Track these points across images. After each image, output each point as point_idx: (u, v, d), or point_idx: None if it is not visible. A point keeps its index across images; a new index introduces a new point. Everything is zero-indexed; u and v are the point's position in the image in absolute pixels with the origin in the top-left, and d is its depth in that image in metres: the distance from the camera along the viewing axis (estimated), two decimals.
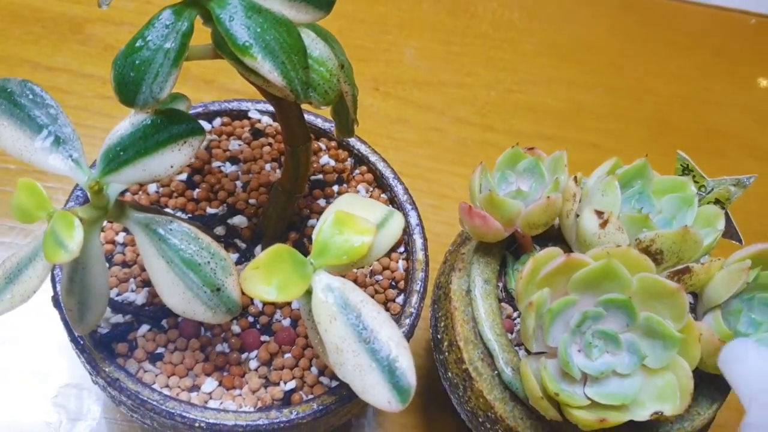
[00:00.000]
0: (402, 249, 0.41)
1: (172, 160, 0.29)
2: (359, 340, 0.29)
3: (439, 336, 0.42)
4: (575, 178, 0.40)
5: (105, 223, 0.39)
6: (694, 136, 0.69)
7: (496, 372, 0.38)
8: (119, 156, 0.28)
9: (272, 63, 0.27)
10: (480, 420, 0.39)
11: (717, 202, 0.41)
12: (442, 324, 0.41)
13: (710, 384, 0.38)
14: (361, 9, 0.69)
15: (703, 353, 0.34)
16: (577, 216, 0.38)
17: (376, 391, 0.29)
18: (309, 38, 0.29)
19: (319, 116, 0.44)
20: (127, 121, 0.28)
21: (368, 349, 0.29)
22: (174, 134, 0.29)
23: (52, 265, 0.28)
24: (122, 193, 0.40)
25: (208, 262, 0.31)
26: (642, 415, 0.33)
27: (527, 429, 0.38)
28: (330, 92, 0.30)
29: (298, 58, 0.28)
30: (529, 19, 0.73)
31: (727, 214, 0.41)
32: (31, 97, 0.29)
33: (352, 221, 0.30)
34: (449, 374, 0.41)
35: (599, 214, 0.37)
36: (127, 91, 0.27)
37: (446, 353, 0.41)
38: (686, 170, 0.41)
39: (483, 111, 0.66)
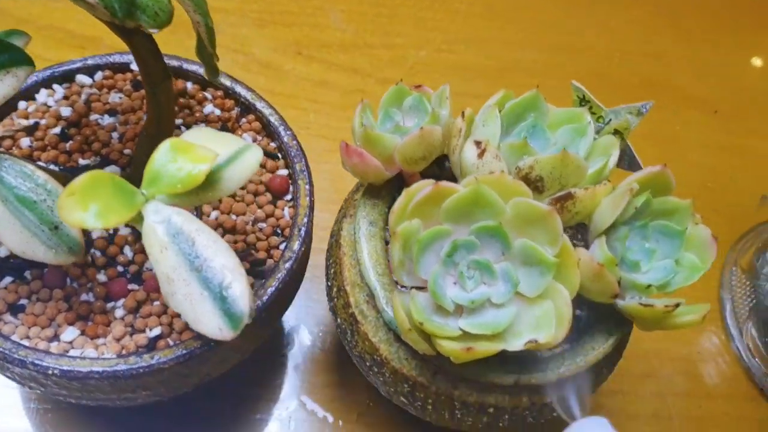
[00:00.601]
0: (289, 197, 0.40)
1: None
2: (191, 269, 0.27)
3: (329, 284, 0.40)
4: (463, 113, 0.38)
5: None
6: (633, 88, 0.68)
7: (379, 314, 0.37)
8: None
9: None
10: (368, 364, 0.38)
11: (617, 132, 0.39)
12: (332, 271, 0.40)
13: (609, 318, 0.37)
14: None
15: (584, 279, 0.33)
16: None
17: (207, 319, 0.27)
18: None
19: (196, 63, 0.42)
20: None
21: (200, 278, 0.27)
22: None
23: None
24: None
25: (44, 200, 0.29)
26: (516, 344, 0.32)
27: (412, 370, 0.36)
28: (161, 13, 0.28)
29: None
30: None
31: (627, 145, 0.39)
32: None
33: (189, 149, 0.29)
34: (339, 320, 0.39)
35: (477, 144, 0.35)
36: None
37: (336, 299, 0.39)
38: (583, 101, 0.39)
39: (411, 72, 0.64)
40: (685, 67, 0.70)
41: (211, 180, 0.30)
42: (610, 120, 0.39)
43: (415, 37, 0.66)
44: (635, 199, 0.34)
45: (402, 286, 0.35)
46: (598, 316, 0.37)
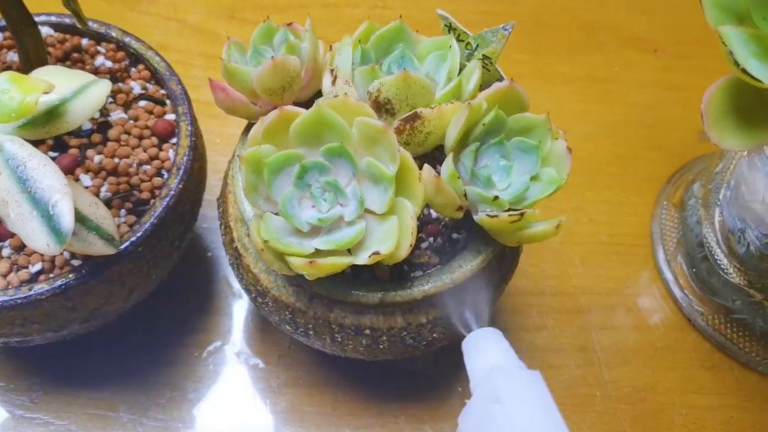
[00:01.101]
0: (174, 140, 0.42)
1: None
2: (23, 191, 0.29)
3: (220, 222, 0.42)
4: (330, 47, 0.39)
5: None
6: (574, 32, 0.67)
7: None
8: None
9: None
10: (254, 296, 0.39)
11: (486, 58, 0.39)
12: (221, 210, 0.41)
13: (480, 238, 0.38)
14: None
15: (429, 194, 0.34)
16: None
17: (35, 236, 0.29)
18: None
19: (97, 22, 0.44)
20: None
21: (30, 198, 0.29)
22: None
23: None
24: None
25: None
26: (362, 257, 0.33)
27: (290, 296, 0.37)
28: None
29: None
30: None
31: (497, 69, 0.40)
32: None
33: (22, 80, 0.30)
34: (228, 256, 0.41)
35: (331, 71, 0.36)
36: None
37: (224, 236, 0.41)
38: (450, 29, 0.40)
39: (347, 29, 0.64)
40: (625, 10, 0.69)
41: (56, 113, 0.32)
42: (477, 46, 0.39)
43: None
44: (485, 117, 0.35)
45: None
46: (471, 238, 0.38)
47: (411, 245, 0.33)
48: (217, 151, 0.56)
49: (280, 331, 0.49)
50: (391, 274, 0.37)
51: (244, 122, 0.58)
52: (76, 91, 0.32)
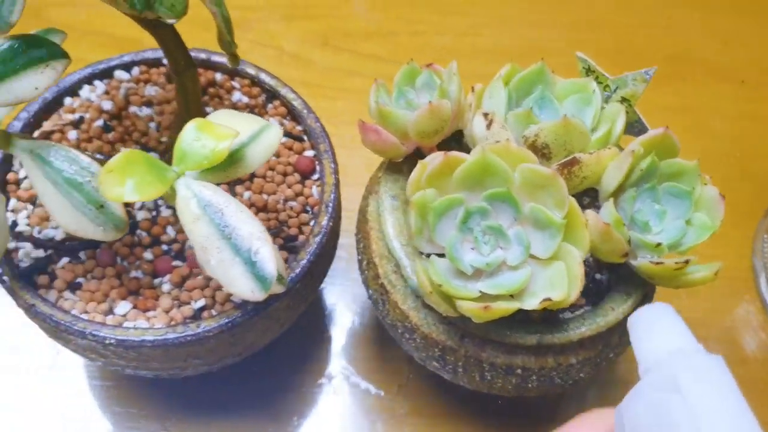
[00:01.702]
0: (316, 176, 0.42)
1: (35, 82, 0.30)
2: (222, 237, 0.30)
3: (360, 258, 0.42)
4: (473, 88, 0.40)
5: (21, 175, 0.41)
6: (657, 62, 0.67)
7: (406, 282, 0.39)
8: None
9: None
10: (400, 331, 0.40)
11: (624, 100, 0.40)
12: (362, 245, 0.42)
13: (628, 281, 0.38)
14: None
15: (594, 240, 0.34)
16: None
17: (240, 282, 0.30)
18: None
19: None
20: None
21: (230, 245, 0.30)
22: (34, 58, 0.30)
23: None
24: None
25: (89, 181, 0.32)
26: (532, 303, 0.34)
27: (441, 334, 0.38)
28: (177, 4, 0.31)
29: None
30: None
31: (635, 112, 0.40)
32: None
33: (211, 128, 0.31)
34: (370, 291, 0.41)
35: (485, 116, 0.37)
36: None
37: (366, 272, 0.42)
38: (589, 71, 0.41)
39: (437, 57, 0.65)
40: (709, 39, 0.70)
41: (236, 158, 0.33)
42: (617, 88, 0.40)
43: (437, 23, 0.68)
44: (641, 162, 0.36)
45: (423, 254, 0.37)
46: (618, 279, 0.39)
47: (579, 291, 0.33)
48: None
49: (399, 361, 0.50)
50: (542, 314, 0.38)
51: (347, 151, 0.59)
52: (253, 136, 0.33)
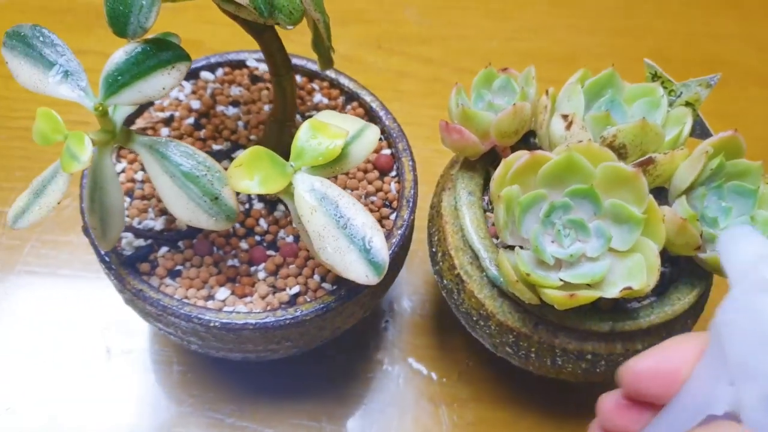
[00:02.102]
0: (394, 173, 0.45)
1: (163, 82, 0.33)
2: (337, 226, 0.33)
3: (434, 250, 0.45)
4: (547, 91, 0.43)
5: (125, 165, 0.44)
6: (695, 68, 0.71)
7: (483, 273, 0.41)
8: (117, 81, 0.32)
9: None
10: (474, 319, 0.42)
11: (688, 104, 0.43)
12: (436, 238, 0.45)
13: (692, 273, 0.41)
14: None
15: (669, 234, 0.37)
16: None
17: (354, 268, 0.32)
18: None
19: (311, 60, 0.48)
20: (122, 50, 0.33)
21: (345, 234, 0.33)
22: (163, 60, 0.33)
23: (69, 178, 0.33)
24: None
25: (205, 174, 0.35)
26: (612, 292, 0.36)
27: (516, 321, 0.41)
28: (294, 12, 0.33)
29: None
30: None
31: (698, 115, 0.43)
32: (41, 38, 0.33)
33: (325, 128, 0.34)
34: (445, 281, 0.44)
35: (564, 117, 0.40)
36: (119, 23, 0.32)
37: (440, 263, 0.44)
38: (655, 77, 0.43)
39: (484, 60, 0.68)
40: (747, 46, 0.73)
41: (342, 154, 0.35)
42: (681, 93, 0.43)
43: (485, 28, 0.71)
44: (710, 162, 0.38)
45: (506, 246, 0.40)
46: (681, 271, 0.41)
47: (655, 281, 0.36)
48: None
49: (458, 349, 0.53)
50: (611, 304, 0.40)
51: (419, 153, 0.61)
52: (355, 135, 0.36)
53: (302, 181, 0.33)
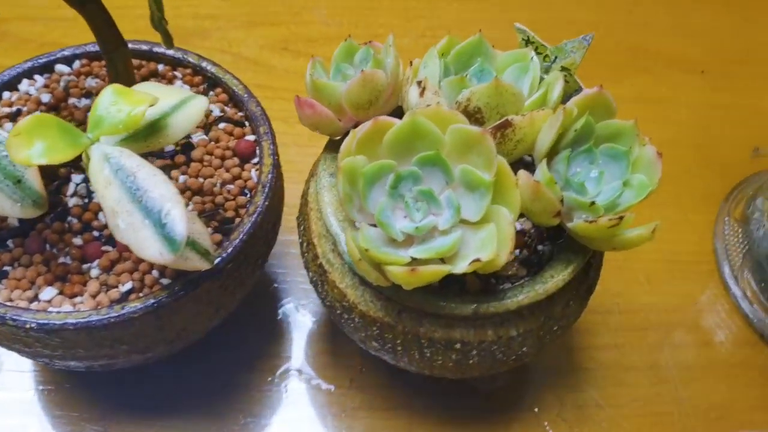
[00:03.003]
0: (256, 160, 0.42)
1: None
2: (133, 200, 0.29)
3: (301, 241, 0.42)
4: (411, 62, 0.40)
5: None
6: (621, 55, 0.68)
7: (344, 260, 0.38)
8: None
9: None
10: (338, 312, 0.39)
11: (564, 69, 0.40)
12: (302, 228, 0.41)
13: (568, 248, 0.37)
14: None
15: (526, 201, 0.34)
16: None
17: (148, 245, 0.29)
18: None
19: (172, 49, 0.45)
20: None
21: (141, 208, 0.29)
22: None
23: None
24: None
25: (6, 156, 0.32)
26: (461, 266, 0.32)
27: (378, 311, 0.37)
28: None
29: None
30: None
31: (576, 81, 0.40)
32: None
33: (129, 93, 0.31)
34: (310, 274, 0.40)
35: (419, 84, 0.37)
36: None
37: (306, 254, 0.41)
38: (528, 42, 0.40)
39: None
40: (670, 33, 0.70)
41: (157, 126, 0.32)
42: (556, 58, 0.40)
43: (397, 27, 0.68)
44: (575, 123, 0.35)
45: (357, 223, 0.36)
46: (560, 248, 0.38)
47: (510, 252, 0.32)
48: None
49: (351, 355, 0.49)
50: (480, 286, 0.37)
51: (303, 149, 0.58)
52: (176, 106, 0.33)
53: (98, 152, 0.30)
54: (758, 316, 0.52)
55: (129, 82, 0.38)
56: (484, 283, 0.37)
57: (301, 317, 0.50)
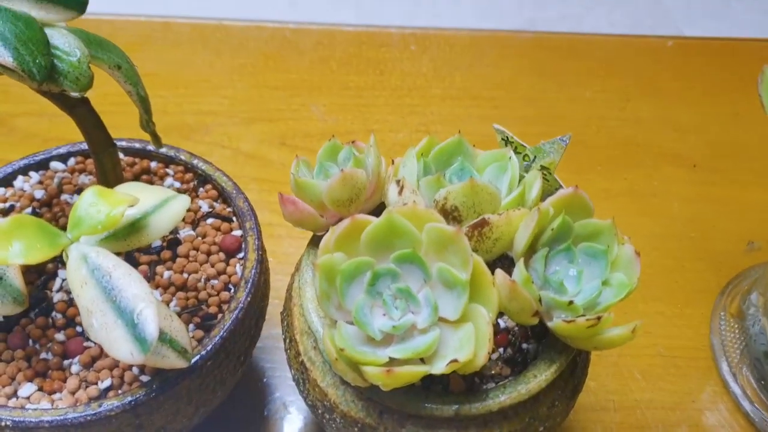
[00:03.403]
0: (241, 255, 0.42)
1: None
2: (107, 299, 0.30)
3: (284, 336, 0.41)
4: (392, 161, 0.41)
5: None
6: (611, 150, 0.69)
7: (324, 357, 0.37)
8: None
9: (4, 48, 0.30)
10: (320, 412, 0.38)
11: (544, 168, 0.41)
12: (285, 323, 0.41)
13: (552, 347, 0.37)
14: (273, 78, 0.73)
15: (503, 300, 0.34)
16: None
17: (119, 345, 0.29)
18: (60, 33, 0.32)
19: (166, 146, 0.46)
20: None
21: (115, 307, 0.30)
22: None
23: None
24: None
25: None
26: (440, 366, 0.32)
27: (359, 411, 0.36)
28: (81, 78, 0.32)
29: (36, 46, 0.31)
30: (437, 70, 0.76)
31: (556, 180, 0.41)
32: None
33: (109, 194, 0.32)
34: (292, 371, 0.40)
35: (397, 182, 0.37)
36: None
37: (289, 350, 0.40)
38: (508, 142, 0.41)
39: (390, 152, 0.67)
40: (661, 128, 0.71)
41: (137, 226, 0.33)
42: (535, 158, 0.40)
43: (392, 123, 0.70)
44: (552, 222, 0.35)
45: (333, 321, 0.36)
46: (544, 347, 0.37)
47: (488, 353, 0.32)
48: (272, 269, 0.56)
49: None
50: (464, 386, 0.36)
51: (297, 242, 0.59)
52: (157, 206, 0.34)
53: (75, 252, 0.30)
54: (760, 416, 0.50)
55: (117, 180, 0.39)
56: (467, 382, 0.36)
57: (288, 415, 0.49)
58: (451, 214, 0.36)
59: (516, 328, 0.38)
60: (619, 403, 0.52)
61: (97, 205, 0.31)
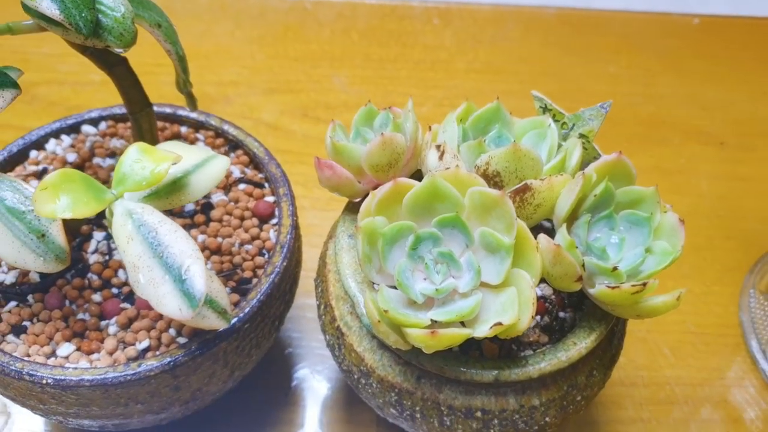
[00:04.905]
0: (275, 221, 0.42)
1: None
2: (154, 255, 0.29)
3: (318, 302, 0.41)
4: (430, 128, 0.40)
5: None
6: (637, 127, 0.69)
7: (362, 322, 0.37)
8: None
9: (51, 1, 0.29)
10: (356, 377, 0.38)
11: (582, 136, 0.40)
12: (320, 290, 0.41)
13: (591, 315, 0.37)
14: (294, 48, 0.73)
15: (547, 265, 0.33)
16: None
17: (167, 300, 0.29)
18: None
19: (195, 111, 0.46)
20: None
21: (162, 263, 0.29)
22: None
23: None
24: None
25: (31, 210, 0.32)
26: (482, 330, 0.32)
27: (397, 376, 0.36)
28: (126, 34, 0.32)
29: (82, 0, 0.30)
30: (460, 44, 0.75)
31: (594, 147, 0.40)
32: None
33: (153, 151, 0.31)
34: (327, 337, 0.40)
35: (438, 147, 0.37)
36: None
37: (323, 317, 0.40)
38: (546, 110, 0.41)
39: None
40: (687, 106, 0.71)
41: (179, 185, 0.33)
42: (574, 125, 0.40)
43: (416, 95, 0.70)
44: (595, 188, 0.35)
45: (375, 284, 0.36)
46: (583, 316, 0.37)
47: (531, 317, 0.32)
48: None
49: (367, 424, 0.47)
50: (500, 352, 0.36)
51: (321, 213, 0.59)
52: (198, 165, 0.33)
53: (122, 208, 0.30)
54: None
55: (153, 141, 0.38)
56: (503, 349, 0.36)
57: (316, 383, 0.49)
58: (492, 180, 0.36)
59: (553, 296, 0.38)
60: (649, 379, 0.52)
61: (141, 162, 0.31)
